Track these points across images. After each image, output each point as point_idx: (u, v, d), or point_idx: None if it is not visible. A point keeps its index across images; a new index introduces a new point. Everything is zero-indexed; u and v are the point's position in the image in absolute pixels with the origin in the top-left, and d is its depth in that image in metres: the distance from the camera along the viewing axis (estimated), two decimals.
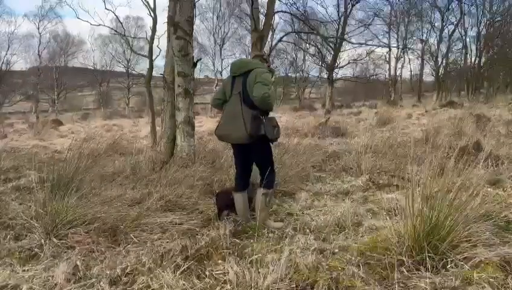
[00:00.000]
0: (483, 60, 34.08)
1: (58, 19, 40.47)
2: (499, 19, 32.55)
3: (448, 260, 2.52)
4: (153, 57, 10.62)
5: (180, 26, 5.91)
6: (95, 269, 2.62)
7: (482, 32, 33.92)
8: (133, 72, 42.09)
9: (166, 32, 6.87)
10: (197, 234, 3.27)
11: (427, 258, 2.49)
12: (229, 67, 3.73)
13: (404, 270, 2.49)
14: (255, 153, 3.58)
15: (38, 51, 38.84)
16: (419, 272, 2.47)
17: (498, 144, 6.57)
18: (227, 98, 3.60)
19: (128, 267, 2.59)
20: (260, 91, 3.29)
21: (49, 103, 41.65)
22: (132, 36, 33.12)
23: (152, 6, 10.27)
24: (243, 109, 3.41)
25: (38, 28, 38.68)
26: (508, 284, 2.27)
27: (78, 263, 2.63)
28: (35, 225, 3.17)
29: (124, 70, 43.72)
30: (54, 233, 3.04)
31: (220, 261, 2.70)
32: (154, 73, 11.02)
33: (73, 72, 43.15)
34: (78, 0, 50.18)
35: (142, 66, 39.73)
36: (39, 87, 38.89)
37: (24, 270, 2.64)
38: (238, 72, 3.54)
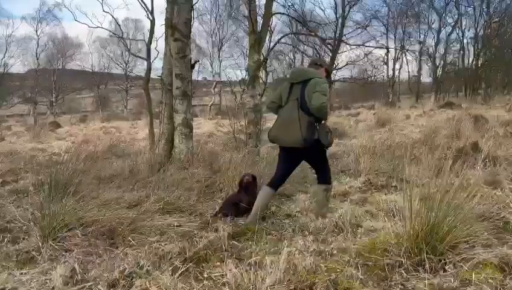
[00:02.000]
0: (480, 61, 34.17)
1: (56, 22, 40.40)
2: (496, 19, 32.65)
3: (447, 260, 2.52)
4: (151, 59, 10.59)
5: (178, 28, 5.91)
6: (92, 272, 2.60)
7: (480, 33, 34.06)
8: (131, 74, 42.17)
9: (164, 34, 6.87)
10: (195, 236, 3.26)
11: (426, 259, 2.49)
12: (289, 74, 4.11)
13: (403, 272, 2.48)
14: (310, 157, 3.82)
15: (36, 54, 38.84)
16: (418, 273, 2.46)
17: (496, 145, 6.58)
18: (283, 103, 3.77)
19: (126, 270, 2.57)
20: (319, 100, 3.47)
21: (47, 105, 41.56)
22: (131, 38, 33.15)
23: (150, 8, 10.22)
24: (300, 114, 3.57)
25: (36, 31, 38.74)
26: (507, 284, 2.27)
27: (75, 266, 2.62)
28: (33, 228, 3.16)
29: (122, 73, 43.75)
30: (51, 236, 3.02)
31: (218, 263, 2.70)
32: (152, 75, 11.03)
33: (71, 74, 43.15)
34: (76, 3, 50.14)
35: (140, 68, 39.81)
36: (37, 89, 38.82)
37: (21, 274, 2.62)
38: (297, 79, 3.73)
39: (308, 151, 3.64)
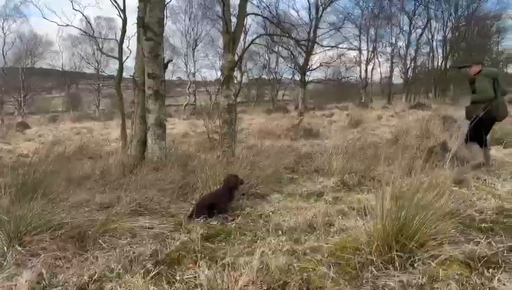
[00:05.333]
0: (449, 63, 35.23)
1: (23, 19, 39.15)
2: (463, 23, 33.75)
3: (416, 258, 2.57)
4: (123, 59, 10.40)
5: (150, 27, 5.83)
6: (61, 277, 2.54)
7: (448, 36, 35.13)
8: (103, 73, 41.31)
9: (137, 33, 6.77)
10: (167, 238, 3.22)
11: (396, 257, 2.54)
12: (489, 73, 5.79)
13: (374, 270, 2.52)
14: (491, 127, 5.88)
15: (3, 52, 37.59)
16: (388, 270, 2.51)
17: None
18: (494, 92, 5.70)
19: (96, 274, 2.52)
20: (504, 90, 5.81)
21: (15, 105, 40.21)
22: (102, 37, 32.48)
23: (122, 7, 10.02)
24: (502, 99, 5.69)
25: (3, 28, 37.49)
26: (473, 280, 2.34)
27: (42, 270, 2.54)
28: None
29: (94, 72, 42.80)
30: (17, 240, 2.92)
31: (191, 265, 2.67)
32: (124, 74, 10.80)
33: (41, 73, 41.91)
34: (45, 0, 48.54)
35: (112, 68, 39.05)
36: (4, 89, 37.52)
37: None
38: (495, 76, 5.68)
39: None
